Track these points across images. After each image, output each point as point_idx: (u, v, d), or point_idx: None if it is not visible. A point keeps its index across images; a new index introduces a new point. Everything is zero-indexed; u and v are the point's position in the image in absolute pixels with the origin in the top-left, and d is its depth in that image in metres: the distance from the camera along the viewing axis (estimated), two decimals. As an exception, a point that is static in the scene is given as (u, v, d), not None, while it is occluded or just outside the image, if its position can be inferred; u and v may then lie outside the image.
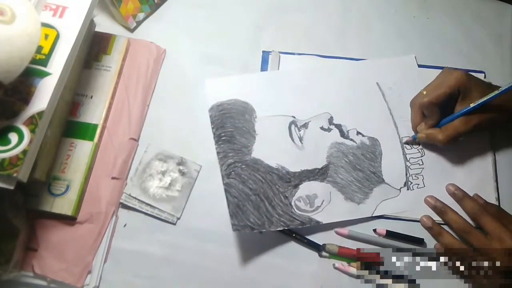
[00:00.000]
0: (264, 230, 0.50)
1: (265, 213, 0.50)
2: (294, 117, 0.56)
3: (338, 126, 0.56)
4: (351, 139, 0.55)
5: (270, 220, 0.50)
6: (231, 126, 0.54)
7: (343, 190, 0.53)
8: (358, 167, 0.54)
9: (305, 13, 0.64)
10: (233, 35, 0.62)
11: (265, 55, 0.60)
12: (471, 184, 0.54)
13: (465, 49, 0.63)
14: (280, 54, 0.60)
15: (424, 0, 0.67)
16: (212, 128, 0.54)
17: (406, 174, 0.55)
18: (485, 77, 0.60)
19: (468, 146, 0.55)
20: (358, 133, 0.56)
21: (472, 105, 0.50)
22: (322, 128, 0.55)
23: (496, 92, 0.48)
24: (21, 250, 0.47)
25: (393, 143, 0.56)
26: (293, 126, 0.55)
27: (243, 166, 0.52)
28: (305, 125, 0.55)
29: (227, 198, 0.50)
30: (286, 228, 0.50)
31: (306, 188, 0.53)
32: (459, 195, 0.53)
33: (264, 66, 0.60)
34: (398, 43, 0.63)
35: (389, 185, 0.54)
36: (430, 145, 0.55)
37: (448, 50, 0.63)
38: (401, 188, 0.54)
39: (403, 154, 0.55)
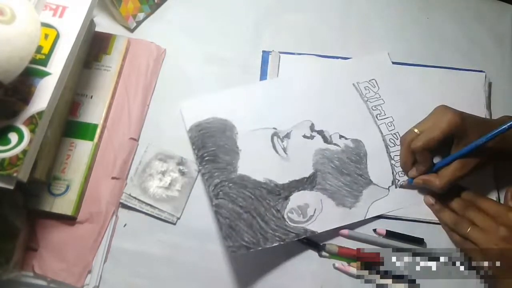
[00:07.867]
0: (260, 248, 0.48)
1: (259, 230, 0.49)
2: (275, 128, 0.55)
3: (320, 132, 0.55)
4: (335, 144, 0.55)
5: (264, 237, 0.49)
6: (213, 145, 0.53)
7: (334, 196, 0.52)
8: (345, 171, 0.53)
9: (305, 13, 0.64)
10: (233, 35, 0.62)
11: (265, 55, 0.60)
12: None
13: (465, 49, 0.63)
14: (280, 54, 0.60)
15: (424, 0, 0.67)
16: (194, 149, 0.53)
17: (393, 172, 0.54)
18: (485, 77, 0.60)
19: None
20: (341, 136, 0.55)
21: (465, 148, 0.48)
22: (304, 136, 0.55)
23: (489, 134, 0.47)
24: (21, 250, 0.47)
25: (377, 142, 0.55)
26: (275, 138, 0.54)
27: (230, 185, 0.51)
28: (287, 135, 0.55)
29: (218, 220, 0.49)
30: (282, 242, 0.49)
31: (297, 199, 0.52)
32: (437, 208, 0.52)
33: (264, 66, 0.60)
34: (398, 43, 0.63)
35: (377, 185, 0.54)
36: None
37: (448, 50, 0.63)
38: (389, 187, 0.54)
39: (387, 152, 0.55)
